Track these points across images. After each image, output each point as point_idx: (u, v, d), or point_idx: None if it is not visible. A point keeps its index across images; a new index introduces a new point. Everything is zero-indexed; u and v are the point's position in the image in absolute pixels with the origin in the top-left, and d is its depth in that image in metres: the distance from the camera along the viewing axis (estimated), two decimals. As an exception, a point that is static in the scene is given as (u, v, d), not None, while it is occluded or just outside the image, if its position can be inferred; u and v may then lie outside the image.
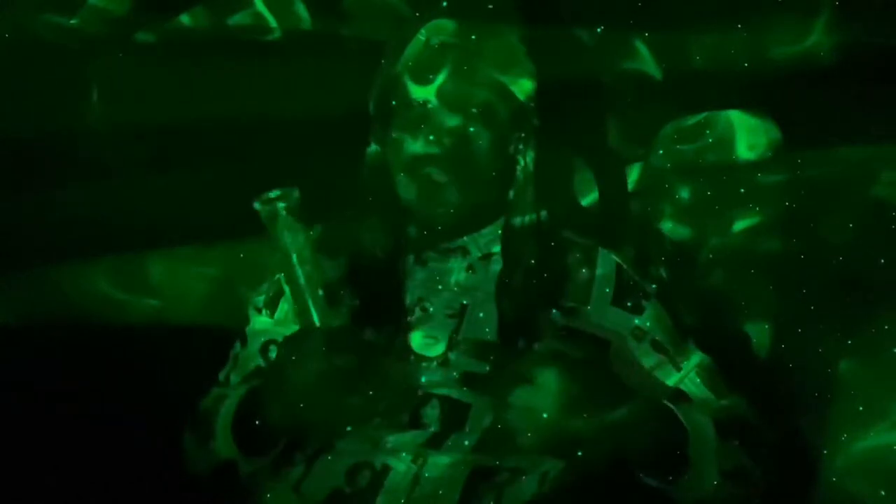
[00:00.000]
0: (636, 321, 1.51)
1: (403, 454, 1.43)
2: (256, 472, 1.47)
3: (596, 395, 1.28)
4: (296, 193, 1.41)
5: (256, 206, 1.42)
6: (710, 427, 1.38)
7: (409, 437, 1.45)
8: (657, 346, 1.51)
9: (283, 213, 1.40)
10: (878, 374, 1.52)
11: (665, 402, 1.38)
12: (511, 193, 1.54)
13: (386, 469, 1.43)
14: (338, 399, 1.35)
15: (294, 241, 1.40)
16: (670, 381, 1.50)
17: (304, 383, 1.34)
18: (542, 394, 1.26)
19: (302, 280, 1.39)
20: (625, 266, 1.55)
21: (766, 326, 1.72)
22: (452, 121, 1.47)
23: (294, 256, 1.40)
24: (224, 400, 1.52)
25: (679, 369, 1.50)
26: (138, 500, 1.71)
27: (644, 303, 1.52)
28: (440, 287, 1.53)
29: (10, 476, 1.67)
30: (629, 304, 1.52)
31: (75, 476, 1.73)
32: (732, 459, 1.38)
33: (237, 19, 1.97)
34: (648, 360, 1.50)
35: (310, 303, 1.39)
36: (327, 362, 1.33)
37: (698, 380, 1.50)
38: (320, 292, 1.40)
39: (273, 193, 1.41)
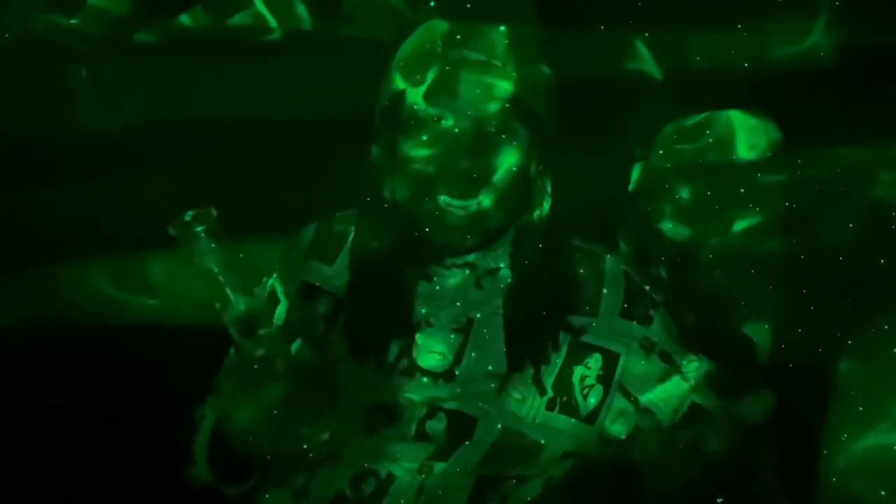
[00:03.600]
0: (645, 332, 1.51)
1: (409, 465, 1.43)
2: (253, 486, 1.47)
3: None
4: (213, 213, 1.32)
5: (171, 231, 1.31)
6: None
7: (415, 449, 1.44)
8: (665, 358, 1.50)
9: (203, 235, 1.30)
10: (878, 374, 1.52)
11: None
12: (522, 202, 1.50)
13: (391, 477, 1.42)
14: (287, 427, 1.29)
15: (217, 263, 1.33)
16: (680, 395, 1.50)
17: (248, 418, 1.29)
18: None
19: (233, 298, 1.33)
20: (633, 274, 1.54)
21: (766, 326, 1.72)
22: (446, 122, 1.44)
23: (221, 278, 1.33)
24: (201, 423, 1.51)
25: (687, 380, 1.50)
26: (138, 500, 1.71)
27: (652, 312, 1.52)
28: (446, 302, 1.50)
29: (9, 476, 1.67)
30: (638, 314, 1.51)
31: (75, 476, 1.73)
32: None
33: (237, 19, 1.97)
34: (657, 371, 1.49)
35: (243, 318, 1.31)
36: (264, 393, 1.27)
37: (709, 389, 1.50)
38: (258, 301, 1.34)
39: (188, 216, 1.32)
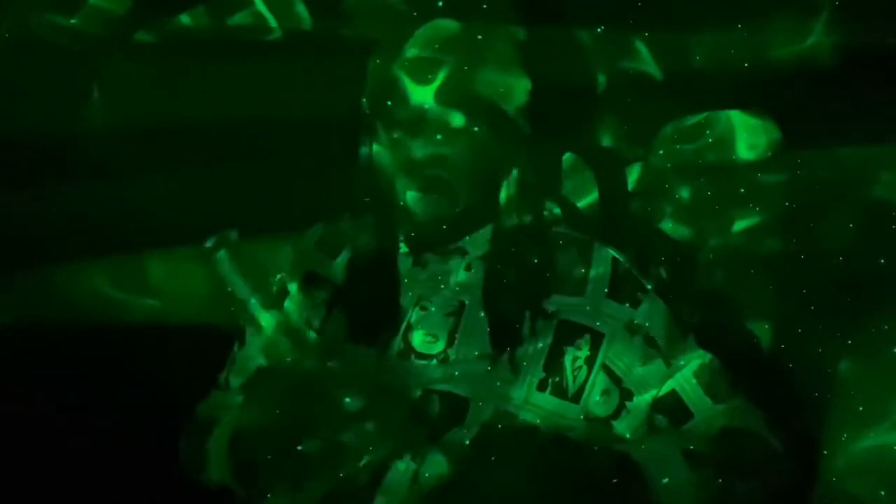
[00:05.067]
0: (631, 314, 1.52)
1: (403, 451, 1.44)
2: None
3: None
4: (233, 235, 1.36)
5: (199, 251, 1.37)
6: (679, 460, 1.40)
7: (409, 432, 1.45)
8: (650, 342, 1.51)
9: (225, 258, 1.34)
10: (878, 374, 1.52)
11: (624, 450, 1.40)
12: (502, 195, 1.54)
13: (385, 466, 1.44)
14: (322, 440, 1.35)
15: (244, 285, 1.34)
16: (661, 379, 1.50)
17: (280, 427, 1.34)
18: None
19: (264, 322, 1.34)
20: (621, 260, 1.55)
21: (766, 326, 1.72)
22: (453, 121, 1.48)
23: (250, 302, 1.34)
24: (215, 424, 1.51)
25: (668, 365, 1.50)
26: (137, 500, 1.71)
27: (640, 296, 1.53)
28: (440, 286, 1.54)
29: (9, 476, 1.68)
30: (625, 296, 1.52)
31: (75, 476, 1.74)
32: (711, 487, 1.40)
33: (237, 19, 1.97)
34: (639, 354, 1.50)
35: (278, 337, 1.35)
36: (302, 407, 1.34)
37: (694, 380, 1.50)
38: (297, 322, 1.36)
39: (209, 242, 1.36)
